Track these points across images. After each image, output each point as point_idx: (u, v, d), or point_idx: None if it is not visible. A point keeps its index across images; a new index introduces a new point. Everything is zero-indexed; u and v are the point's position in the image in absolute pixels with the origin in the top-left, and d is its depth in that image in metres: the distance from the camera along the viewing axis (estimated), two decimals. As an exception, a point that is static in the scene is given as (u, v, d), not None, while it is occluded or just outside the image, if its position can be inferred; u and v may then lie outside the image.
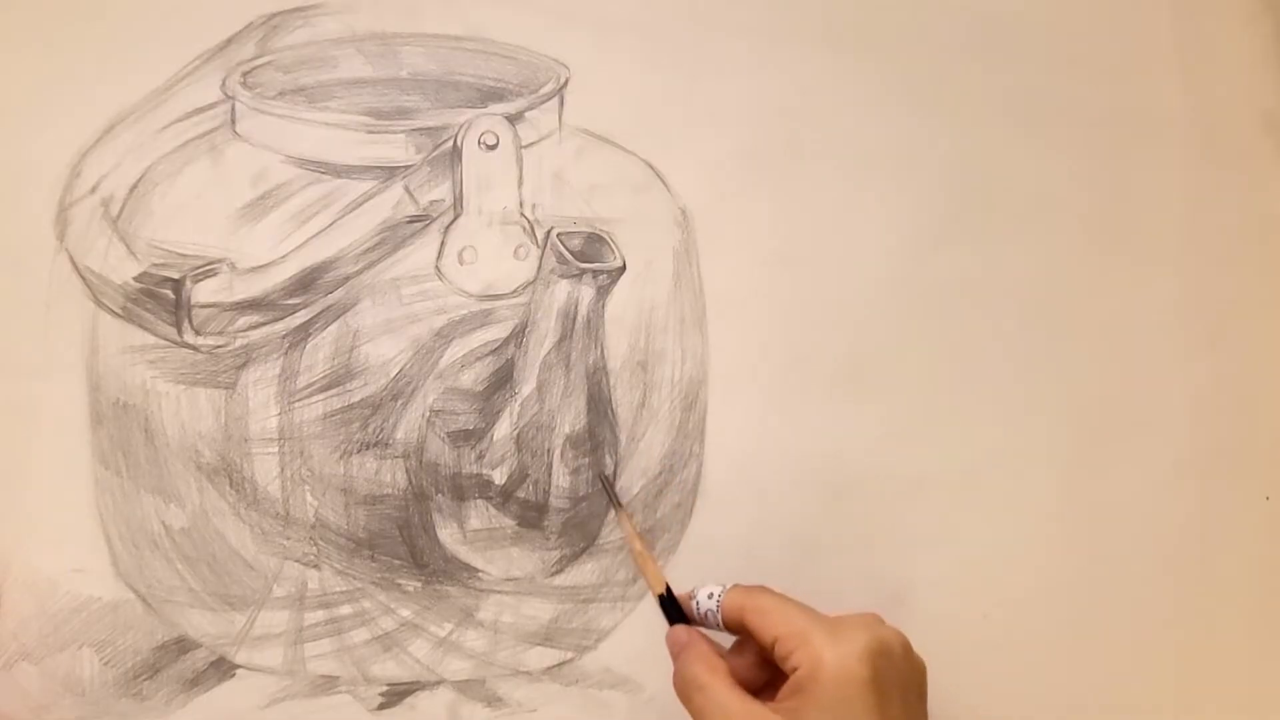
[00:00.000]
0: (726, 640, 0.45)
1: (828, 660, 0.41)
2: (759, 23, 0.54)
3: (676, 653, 0.44)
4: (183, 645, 0.49)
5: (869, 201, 0.53)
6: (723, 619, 0.45)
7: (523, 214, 0.50)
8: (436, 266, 0.49)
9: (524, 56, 0.52)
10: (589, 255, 0.50)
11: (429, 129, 0.50)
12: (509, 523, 0.50)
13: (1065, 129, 0.55)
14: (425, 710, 0.49)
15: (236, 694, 0.49)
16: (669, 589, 0.46)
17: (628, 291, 0.51)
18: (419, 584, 0.49)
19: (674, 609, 0.46)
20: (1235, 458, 0.54)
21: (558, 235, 0.50)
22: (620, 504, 0.49)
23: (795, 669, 0.42)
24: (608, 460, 0.50)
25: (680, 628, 0.45)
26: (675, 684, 0.44)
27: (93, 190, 0.49)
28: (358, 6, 0.51)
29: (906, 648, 0.44)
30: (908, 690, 0.43)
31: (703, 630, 0.45)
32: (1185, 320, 0.54)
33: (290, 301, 0.49)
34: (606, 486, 0.49)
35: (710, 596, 0.45)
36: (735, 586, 0.45)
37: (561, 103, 0.51)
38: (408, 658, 0.49)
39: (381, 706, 0.49)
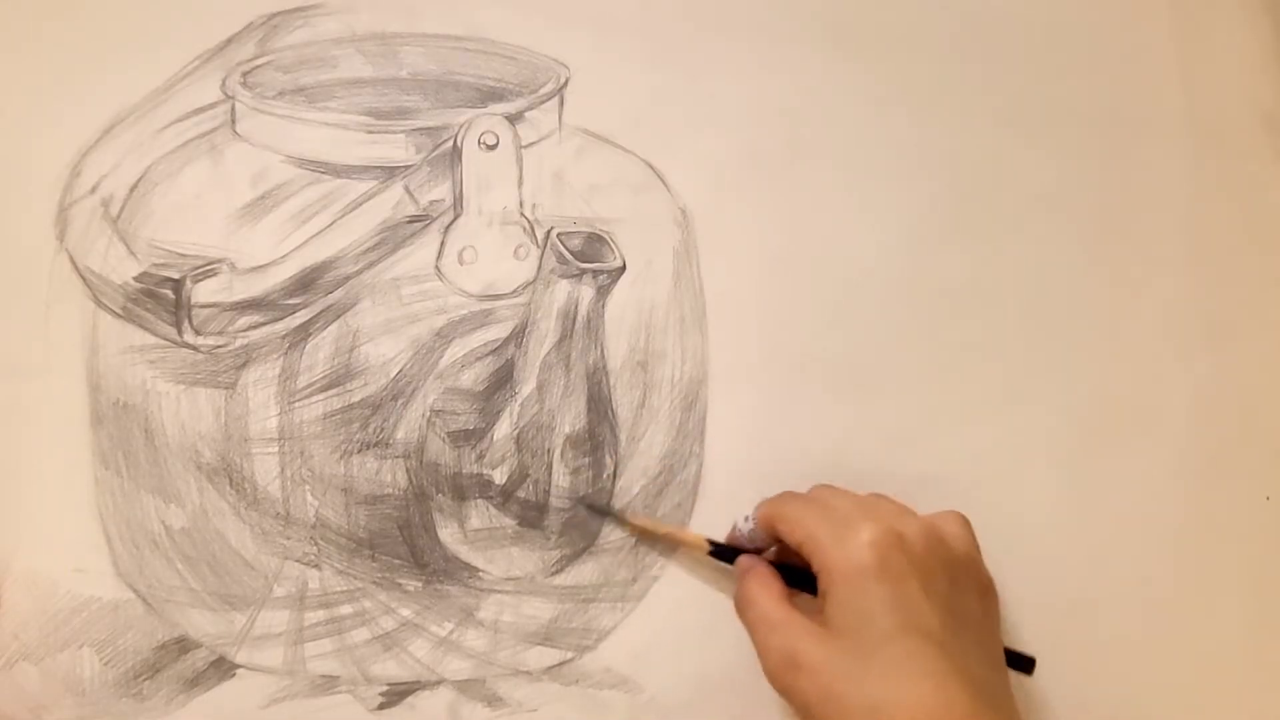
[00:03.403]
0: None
1: (835, 559, 0.43)
2: (759, 23, 0.54)
3: (739, 578, 0.46)
4: (183, 645, 0.49)
5: (869, 201, 0.53)
6: (762, 538, 0.47)
7: (523, 214, 0.50)
8: (436, 266, 0.49)
9: (524, 56, 0.52)
10: (589, 255, 0.50)
11: (429, 129, 0.50)
12: (509, 522, 0.50)
13: (1065, 129, 0.55)
14: (425, 710, 0.49)
15: (236, 694, 0.49)
16: (710, 541, 0.48)
17: (628, 291, 0.51)
18: (419, 583, 0.49)
19: (728, 552, 0.48)
20: (1235, 458, 0.54)
21: (558, 235, 0.50)
22: (619, 514, 0.49)
23: (818, 572, 0.43)
24: (607, 460, 0.50)
25: (743, 556, 0.47)
26: (735, 605, 0.46)
27: (93, 190, 0.49)
28: (358, 6, 0.51)
29: (934, 535, 0.44)
30: (930, 575, 0.42)
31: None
32: (1185, 320, 0.54)
33: (290, 301, 0.49)
34: (598, 510, 0.50)
35: (746, 519, 0.47)
36: (764, 501, 0.47)
37: (561, 103, 0.51)
38: (408, 657, 0.49)
39: (382, 706, 0.49)
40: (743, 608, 0.45)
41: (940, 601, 0.42)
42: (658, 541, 0.50)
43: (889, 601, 0.41)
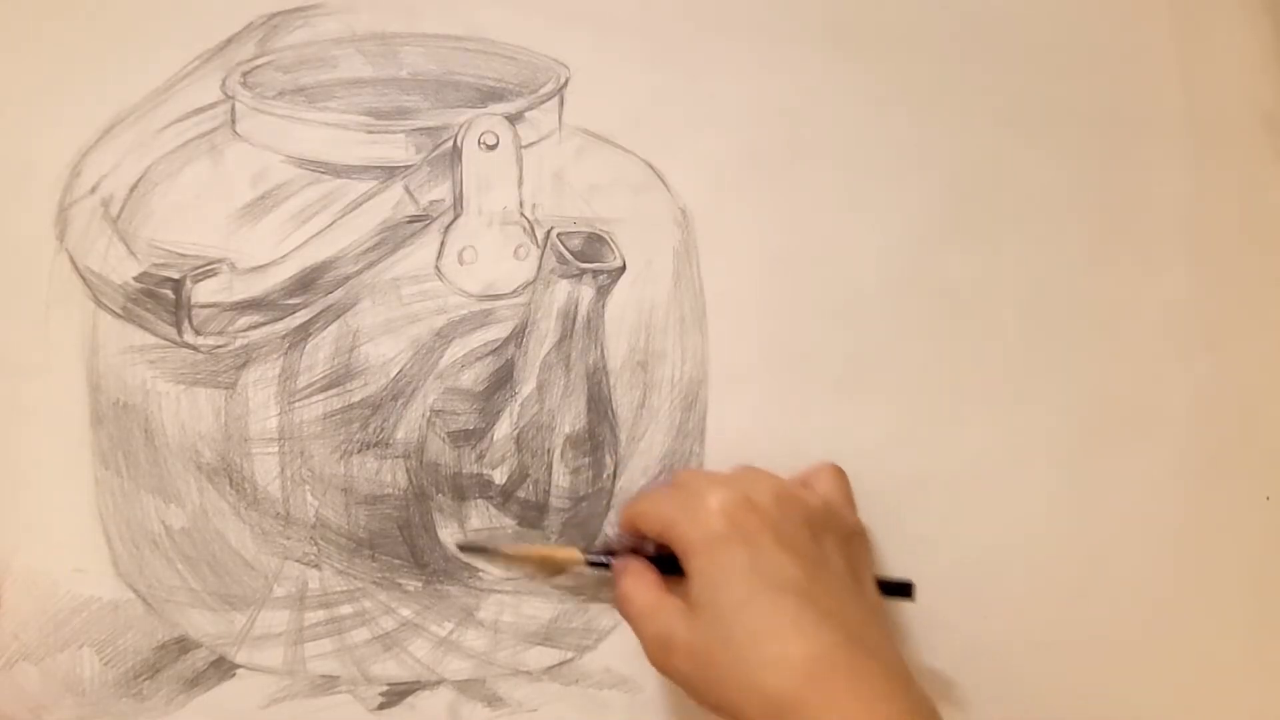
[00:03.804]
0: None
1: (688, 534, 0.43)
2: (759, 23, 0.54)
3: (615, 580, 0.46)
4: (183, 645, 0.49)
5: (869, 202, 0.53)
6: (631, 541, 0.47)
7: (523, 214, 0.50)
8: (436, 266, 0.49)
9: (524, 56, 0.52)
10: (589, 255, 0.50)
11: (429, 129, 0.50)
12: (509, 522, 0.50)
13: (1065, 129, 0.55)
14: (425, 710, 0.49)
15: (236, 694, 0.49)
16: (582, 551, 0.48)
17: (628, 291, 0.51)
18: (419, 583, 0.49)
19: (601, 560, 0.47)
20: (1235, 458, 0.54)
21: (558, 235, 0.50)
22: (494, 550, 0.49)
23: (679, 553, 0.43)
24: (607, 460, 0.50)
25: (617, 559, 0.47)
26: (617, 607, 0.46)
27: (93, 190, 0.49)
28: (358, 6, 0.51)
29: (785, 492, 0.44)
30: (785, 530, 0.42)
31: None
32: (1185, 320, 0.54)
33: (290, 301, 0.49)
34: (474, 550, 0.49)
35: (613, 526, 0.48)
36: (624, 504, 0.48)
37: (561, 103, 0.51)
38: (408, 657, 0.49)
39: (381, 706, 0.49)
40: (622, 606, 0.45)
41: (798, 554, 0.42)
42: (536, 568, 0.50)
43: (744, 563, 0.41)
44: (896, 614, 0.50)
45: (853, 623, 0.41)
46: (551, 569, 0.49)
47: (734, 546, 0.42)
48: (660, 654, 0.43)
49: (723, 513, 0.42)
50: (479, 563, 0.49)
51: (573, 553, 0.48)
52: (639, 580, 0.45)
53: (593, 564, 0.48)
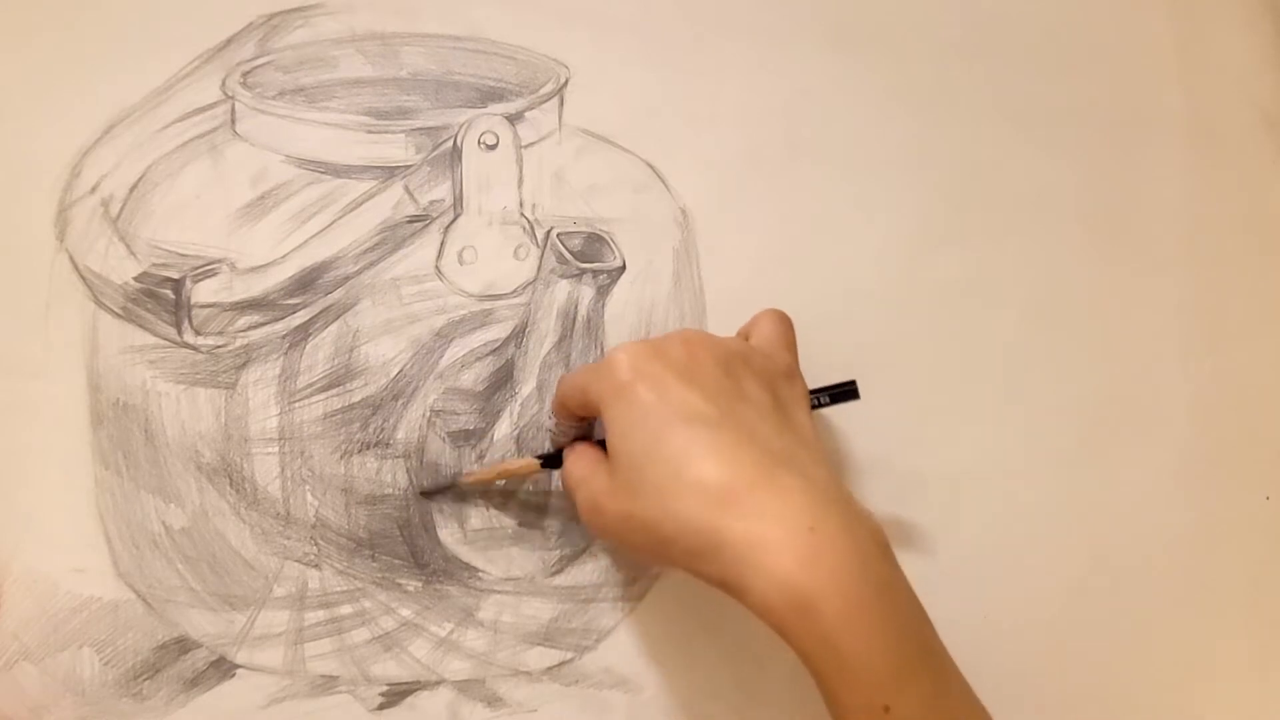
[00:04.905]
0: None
1: (601, 392, 0.42)
2: (759, 23, 0.54)
3: (564, 467, 0.46)
4: (183, 645, 0.49)
5: (869, 201, 0.53)
6: (560, 419, 0.47)
7: (523, 214, 0.50)
8: (436, 266, 0.49)
9: (524, 56, 0.52)
10: (589, 255, 0.50)
11: (429, 129, 0.50)
12: (509, 522, 0.50)
13: (1065, 129, 0.55)
14: (425, 710, 0.49)
15: (236, 694, 0.49)
16: (538, 456, 0.47)
17: (628, 291, 0.51)
18: (419, 584, 0.49)
19: (556, 458, 0.46)
20: (1235, 458, 0.54)
21: (558, 235, 0.50)
22: (455, 481, 0.49)
23: (601, 416, 0.43)
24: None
25: (567, 448, 0.46)
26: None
27: (93, 190, 0.49)
28: (358, 6, 0.51)
29: (697, 338, 0.43)
30: (693, 371, 0.42)
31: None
32: (1185, 320, 0.54)
33: (290, 301, 0.49)
34: (436, 491, 0.49)
35: (550, 418, 0.48)
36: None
37: (561, 103, 0.51)
38: (408, 657, 0.49)
39: (381, 706, 0.49)
40: (565, 488, 0.45)
41: (708, 390, 0.41)
42: (498, 484, 0.49)
43: (650, 401, 0.41)
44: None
45: (774, 447, 0.40)
46: (513, 480, 0.49)
47: (639, 389, 0.41)
48: (593, 516, 0.42)
49: (629, 365, 0.42)
50: (444, 503, 0.49)
51: (529, 461, 0.47)
52: (578, 458, 0.44)
53: (547, 464, 0.47)
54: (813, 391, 0.46)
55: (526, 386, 0.50)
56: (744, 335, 0.47)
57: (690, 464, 0.39)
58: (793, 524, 0.37)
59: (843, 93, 0.54)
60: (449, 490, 0.49)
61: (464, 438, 0.49)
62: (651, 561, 0.45)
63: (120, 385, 0.49)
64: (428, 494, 0.49)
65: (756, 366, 0.44)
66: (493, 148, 0.50)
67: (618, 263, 0.50)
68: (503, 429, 0.49)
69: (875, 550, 0.39)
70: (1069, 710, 0.51)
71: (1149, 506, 0.53)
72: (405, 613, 0.49)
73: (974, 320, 0.53)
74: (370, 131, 0.50)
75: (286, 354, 0.49)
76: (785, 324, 0.47)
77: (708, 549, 0.38)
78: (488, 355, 0.50)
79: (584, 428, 0.46)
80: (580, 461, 0.44)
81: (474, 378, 0.50)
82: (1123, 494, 0.53)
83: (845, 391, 0.48)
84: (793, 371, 0.45)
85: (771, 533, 0.37)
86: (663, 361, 0.42)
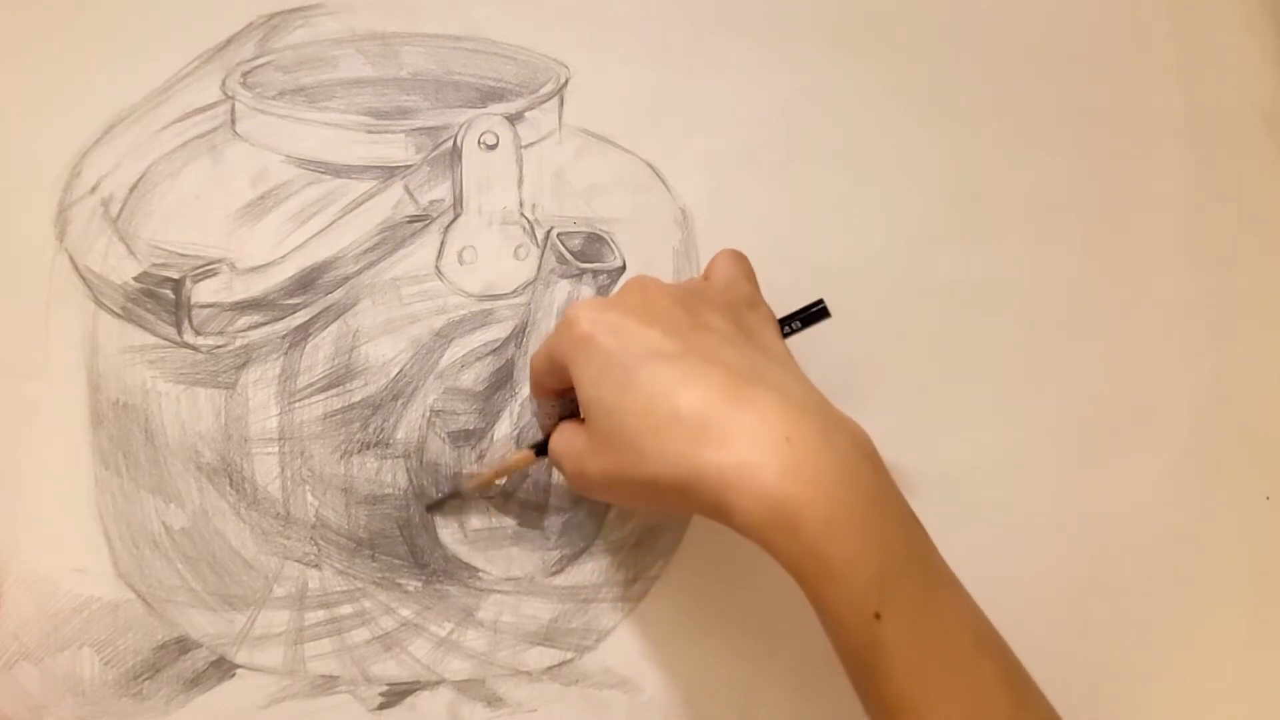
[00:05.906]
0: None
1: (564, 351, 0.42)
2: (759, 23, 0.54)
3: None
4: (183, 645, 0.49)
5: (868, 201, 0.53)
6: (540, 399, 0.46)
7: (523, 214, 0.50)
8: (436, 266, 0.49)
9: (524, 56, 0.52)
10: (589, 255, 0.50)
11: (429, 129, 0.50)
12: (509, 522, 0.50)
13: (1065, 129, 0.55)
14: (425, 710, 0.49)
15: (236, 694, 0.49)
16: (533, 446, 0.47)
17: (628, 291, 0.50)
18: (419, 584, 0.49)
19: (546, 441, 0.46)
20: (1235, 458, 0.54)
21: (558, 235, 0.50)
22: (459, 486, 0.49)
23: (572, 378, 0.42)
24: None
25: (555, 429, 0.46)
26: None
27: (93, 190, 0.49)
28: (357, 6, 0.51)
29: (649, 283, 0.43)
30: (649, 312, 0.41)
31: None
32: (1186, 320, 0.54)
33: (290, 301, 0.49)
34: (444, 501, 0.49)
35: (530, 400, 0.48)
36: None
37: (561, 103, 0.51)
38: (408, 657, 0.49)
39: (381, 706, 0.49)
40: (555, 464, 0.45)
41: (668, 326, 0.41)
42: (500, 482, 0.49)
43: (612, 347, 0.40)
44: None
45: (742, 366, 0.40)
46: (515, 476, 0.49)
47: (600, 338, 0.41)
48: (580, 481, 0.42)
49: (587, 317, 0.41)
50: (452, 514, 0.49)
51: (526, 453, 0.47)
52: (560, 432, 0.44)
53: (541, 452, 0.47)
54: (782, 319, 0.46)
55: (526, 387, 0.50)
56: (704, 278, 0.47)
57: (661, 400, 0.38)
58: (768, 437, 0.37)
59: (842, 93, 0.54)
60: (453, 497, 0.49)
61: (464, 438, 0.49)
62: (650, 509, 0.44)
63: (120, 385, 0.49)
64: (433, 508, 0.49)
65: (715, 299, 0.43)
66: (493, 148, 0.50)
67: (618, 263, 0.50)
68: (503, 429, 0.49)
69: (858, 457, 0.38)
70: (1069, 710, 0.51)
71: (1149, 506, 0.53)
72: (405, 613, 0.49)
73: (974, 320, 0.53)
74: (370, 131, 0.50)
75: (286, 354, 0.49)
76: (741, 258, 0.46)
77: (691, 480, 0.37)
78: (488, 355, 0.50)
79: (566, 404, 0.46)
80: (562, 435, 0.44)
81: (474, 378, 0.50)
82: (1123, 494, 0.53)
83: (816, 312, 0.47)
84: (755, 299, 0.45)
85: (748, 450, 0.37)
86: (619, 309, 0.41)
